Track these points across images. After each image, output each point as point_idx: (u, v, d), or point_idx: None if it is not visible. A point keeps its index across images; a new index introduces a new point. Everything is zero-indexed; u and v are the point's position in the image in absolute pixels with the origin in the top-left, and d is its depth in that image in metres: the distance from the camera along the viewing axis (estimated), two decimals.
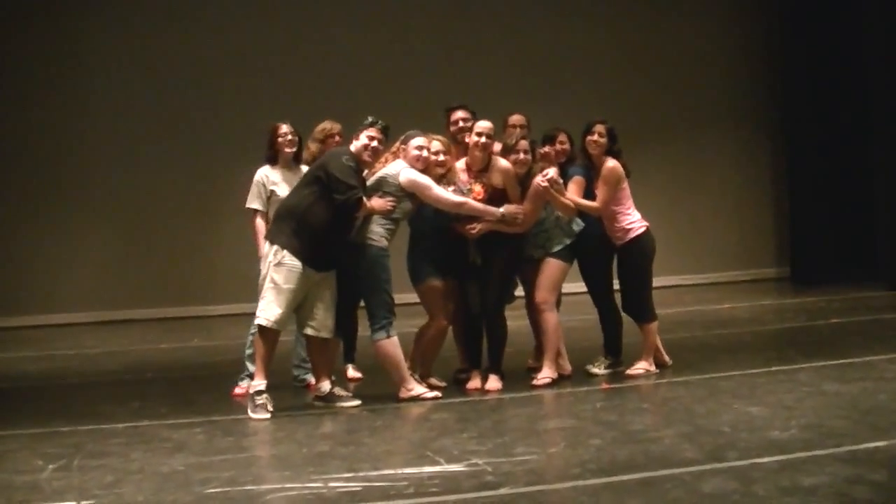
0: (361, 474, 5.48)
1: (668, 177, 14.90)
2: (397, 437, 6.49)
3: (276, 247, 7.09)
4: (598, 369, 8.10)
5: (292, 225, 7.11)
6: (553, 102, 12.36)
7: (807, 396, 7.04)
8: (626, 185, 7.99)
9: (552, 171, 7.64)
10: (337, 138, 8.16)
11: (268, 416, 6.95)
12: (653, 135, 14.38)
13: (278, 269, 7.05)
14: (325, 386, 7.32)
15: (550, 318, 7.83)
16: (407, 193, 7.37)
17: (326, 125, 8.23)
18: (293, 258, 7.04)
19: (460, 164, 7.81)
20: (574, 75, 14.79)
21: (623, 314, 8.14)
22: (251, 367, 7.56)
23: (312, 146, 8.14)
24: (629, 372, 8.06)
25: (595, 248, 8.00)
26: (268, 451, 6.14)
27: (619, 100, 14.00)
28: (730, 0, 15.82)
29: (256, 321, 7.12)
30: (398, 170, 7.39)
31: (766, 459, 5.44)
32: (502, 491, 5.11)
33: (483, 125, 7.69)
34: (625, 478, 5.26)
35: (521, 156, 7.68)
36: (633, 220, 8.03)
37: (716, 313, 11.39)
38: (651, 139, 14.25)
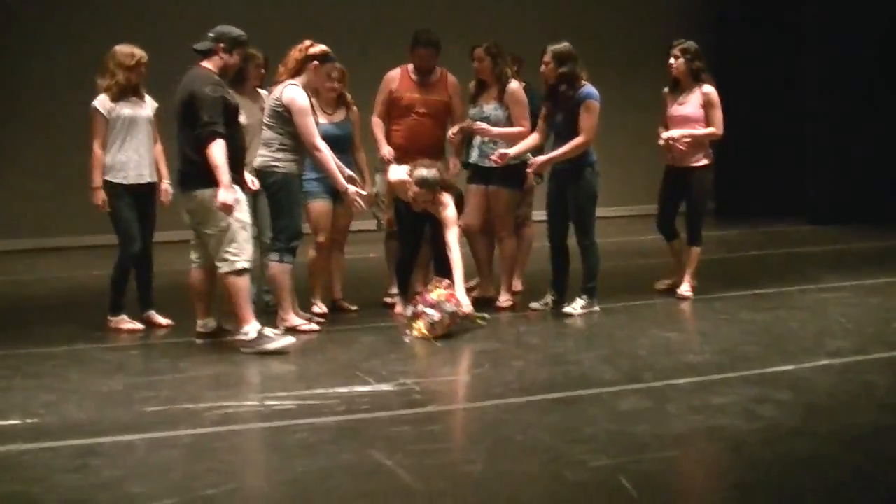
0: (295, 393, 5.69)
1: None
2: (329, 358, 6.67)
3: (236, 187, 6.65)
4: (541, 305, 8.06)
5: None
6: (509, 32, 12.36)
7: (722, 324, 7.38)
8: None
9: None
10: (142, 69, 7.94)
11: (292, 339, 6.88)
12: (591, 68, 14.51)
13: (239, 207, 6.66)
14: (213, 322, 7.23)
15: (509, 245, 8.20)
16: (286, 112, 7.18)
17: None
18: (237, 190, 6.72)
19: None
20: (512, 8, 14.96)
21: None
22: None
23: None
24: (680, 292, 8.34)
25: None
26: (204, 372, 6.27)
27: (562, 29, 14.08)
28: None
29: (237, 266, 6.65)
30: (284, 87, 7.21)
31: (680, 381, 5.76)
32: (429, 408, 5.37)
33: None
34: (545, 396, 5.53)
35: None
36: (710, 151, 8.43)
37: (640, 244, 11.65)
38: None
